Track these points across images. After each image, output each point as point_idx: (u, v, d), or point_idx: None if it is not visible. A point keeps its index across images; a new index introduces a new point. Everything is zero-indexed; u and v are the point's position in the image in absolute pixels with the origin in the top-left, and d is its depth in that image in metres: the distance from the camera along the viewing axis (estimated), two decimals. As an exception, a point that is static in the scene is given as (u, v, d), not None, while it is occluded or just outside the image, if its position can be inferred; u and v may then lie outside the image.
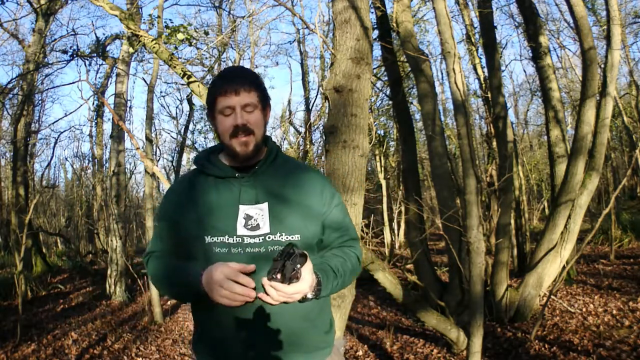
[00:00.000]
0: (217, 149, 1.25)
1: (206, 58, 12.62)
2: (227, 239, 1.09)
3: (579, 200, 4.11)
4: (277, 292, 0.97)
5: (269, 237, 1.07)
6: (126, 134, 7.70)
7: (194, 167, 1.25)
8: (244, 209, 1.11)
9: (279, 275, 0.96)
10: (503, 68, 10.11)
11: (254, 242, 1.07)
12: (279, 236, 1.08)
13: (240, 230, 1.09)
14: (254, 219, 1.09)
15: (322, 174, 1.29)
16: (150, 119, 7.40)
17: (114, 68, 9.57)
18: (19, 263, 5.80)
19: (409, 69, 5.75)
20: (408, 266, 7.06)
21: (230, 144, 1.13)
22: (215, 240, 1.09)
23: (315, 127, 12.87)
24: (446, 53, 2.70)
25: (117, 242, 7.82)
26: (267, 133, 1.24)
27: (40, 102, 13.98)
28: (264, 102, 1.17)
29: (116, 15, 3.29)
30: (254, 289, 1.01)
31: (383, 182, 12.48)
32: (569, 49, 17.63)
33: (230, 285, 0.98)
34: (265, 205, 1.11)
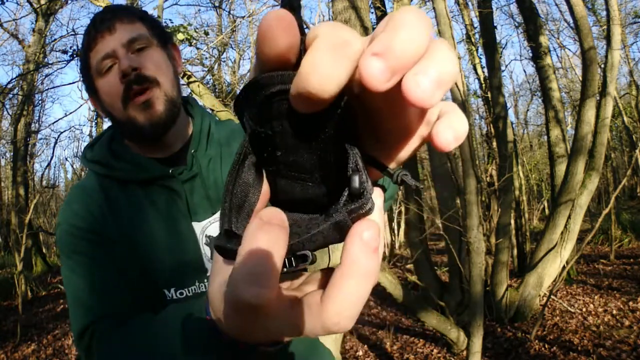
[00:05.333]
0: (117, 136, 0.77)
1: (206, 58, 12.61)
2: (200, 287, 0.68)
3: (579, 200, 4.11)
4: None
5: None
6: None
7: (92, 170, 0.75)
8: (200, 228, 0.70)
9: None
10: (503, 68, 10.13)
11: None
12: None
13: (209, 265, 0.69)
14: None
15: None
16: (150, 119, 7.41)
17: (114, 68, 9.57)
18: (19, 263, 5.81)
19: (409, 69, 5.75)
20: (408, 266, 7.06)
21: (128, 116, 0.68)
22: (181, 296, 0.67)
23: (315, 127, 12.86)
24: (446, 53, 2.69)
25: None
26: None
27: (40, 102, 13.96)
28: (162, 37, 0.74)
29: (116, 15, 3.29)
30: None
31: (383, 182, 12.48)
32: (569, 49, 17.64)
33: None
34: None
